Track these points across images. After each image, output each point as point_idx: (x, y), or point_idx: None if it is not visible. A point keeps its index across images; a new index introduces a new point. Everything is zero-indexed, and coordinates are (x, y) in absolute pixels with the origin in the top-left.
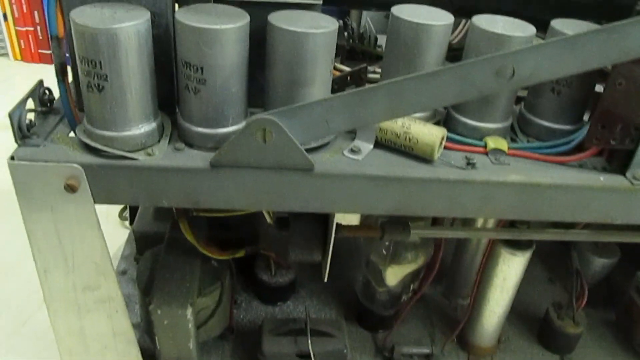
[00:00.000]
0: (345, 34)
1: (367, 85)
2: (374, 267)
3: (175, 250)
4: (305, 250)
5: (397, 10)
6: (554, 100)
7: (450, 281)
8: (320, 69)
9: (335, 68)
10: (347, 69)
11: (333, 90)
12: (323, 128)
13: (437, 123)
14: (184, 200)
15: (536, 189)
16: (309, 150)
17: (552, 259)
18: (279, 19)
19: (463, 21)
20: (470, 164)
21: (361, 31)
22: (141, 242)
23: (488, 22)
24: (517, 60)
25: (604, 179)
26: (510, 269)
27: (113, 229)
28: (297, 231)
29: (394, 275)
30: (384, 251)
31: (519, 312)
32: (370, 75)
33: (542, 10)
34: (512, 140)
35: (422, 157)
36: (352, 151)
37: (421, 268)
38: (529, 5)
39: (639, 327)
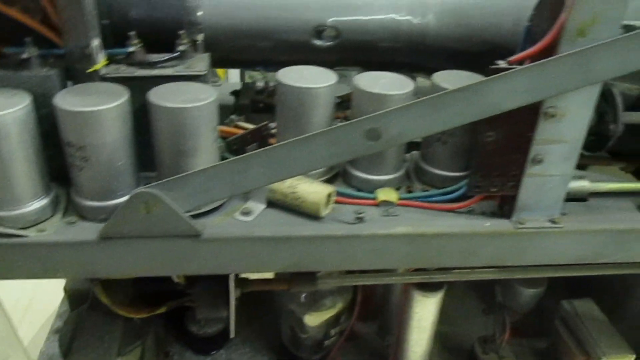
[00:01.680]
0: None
1: (245, 153)
2: (294, 315)
3: (97, 310)
4: (211, 308)
5: (282, 74)
6: (442, 149)
7: (382, 320)
8: (203, 139)
9: (238, 126)
10: (250, 126)
11: (233, 151)
12: (205, 197)
13: (336, 176)
14: (80, 271)
15: (423, 239)
16: (201, 215)
17: (488, 290)
18: (157, 95)
19: None
20: (358, 219)
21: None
22: (74, 300)
23: (369, 81)
24: (385, 122)
25: (489, 224)
26: (424, 311)
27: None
28: (203, 289)
29: (313, 322)
30: (302, 299)
31: (451, 346)
32: (274, 131)
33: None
34: (409, 189)
35: (311, 214)
36: (244, 213)
37: (341, 313)
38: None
39: (566, 356)
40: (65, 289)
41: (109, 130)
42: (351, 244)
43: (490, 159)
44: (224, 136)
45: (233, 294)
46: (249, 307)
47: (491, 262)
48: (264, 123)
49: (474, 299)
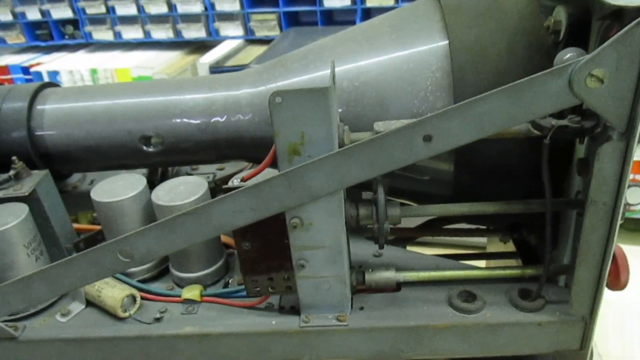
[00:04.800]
0: None
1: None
2: None
3: None
4: None
5: (95, 191)
6: None
7: None
8: (14, 255)
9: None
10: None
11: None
12: (12, 306)
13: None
14: None
15: (210, 338)
16: (24, 317)
17: None
18: None
19: None
20: (157, 319)
21: None
22: None
23: (165, 191)
24: (132, 243)
25: (275, 322)
26: None
27: None
28: None
29: None
30: None
31: None
32: None
33: None
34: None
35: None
36: (62, 314)
37: None
38: None
39: None
40: None
41: None
42: (146, 344)
43: (254, 265)
44: (84, 233)
45: None
46: None
47: (282, 358)
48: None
49: None
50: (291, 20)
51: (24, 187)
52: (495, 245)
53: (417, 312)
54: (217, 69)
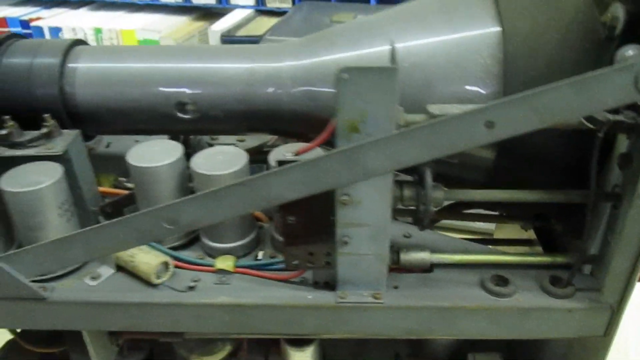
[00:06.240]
0: None
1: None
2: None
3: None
4: (81, 355)
5: (131, 153)
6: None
7: None
8: (46, 215)
9: (125, 187)
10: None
11: (107, 214)
12: (46, 267)
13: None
14: None
15: (242, 309)
16: (53, 278)
17: None
18: (7, 178)
19: None
20: (190, 287)
21: None
22: None
23: (204, 160)
24: (179, 211)
25: (311, 297)
26: None
27: None
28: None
29: None
30: (192, 344)
31: None
32: None
33: None
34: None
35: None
36: (92, 277)
37: (231, 354)
38: None
39: None
40: None
41: None
42: (177, 311)
43: (297, 240)
44: (108, 196)
45: (91, 346)
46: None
47: (315, 332)
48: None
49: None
50: None
51: (57, 147)
52: (502, 232)
53: (450, 293)
54: (228, 37)
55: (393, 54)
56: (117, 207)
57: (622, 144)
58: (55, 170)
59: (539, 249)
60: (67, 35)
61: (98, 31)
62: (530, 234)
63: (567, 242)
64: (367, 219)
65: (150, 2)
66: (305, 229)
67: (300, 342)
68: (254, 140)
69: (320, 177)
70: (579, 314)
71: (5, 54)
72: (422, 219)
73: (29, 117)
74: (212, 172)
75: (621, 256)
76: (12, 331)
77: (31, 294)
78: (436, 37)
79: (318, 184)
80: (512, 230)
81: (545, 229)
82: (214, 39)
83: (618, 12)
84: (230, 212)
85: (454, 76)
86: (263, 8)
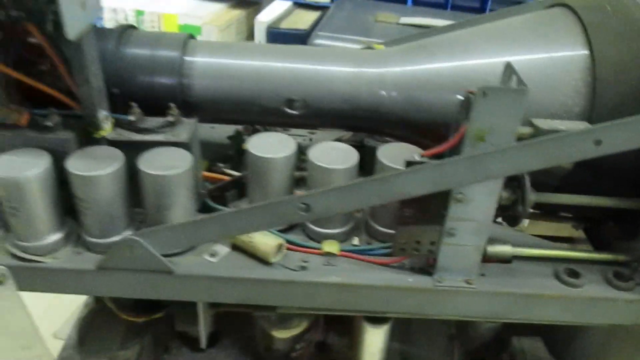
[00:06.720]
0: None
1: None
2: (264, 330)
3: (105, 311)
4: (187, 323)
5: (251, 142)
6: (384, 209)
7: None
8: (178, 197)
9: (224, 173)
10: (236, 174)
11: (214, 197)
12: (176, 245)
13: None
14: (82, 290)
15: (351, 288)
16: (177, 254)
17: None
18: (144, 160)
19: None
20: (302, 267)
21: None
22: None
23: (320, 153)
24: (315, 199)
25: (412, 280)
26: (372, 339)
27: None
28: (182, 306)
29: (280, 337)
30: (272, 318)
31: None
32: None
33: None
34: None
35: (263, 260)
36: (211, 254)
37: (307, 330)
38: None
39: None
40: None
41: (105, 189)
42: (291, 288)
43: (409, 230)
44: (209, 181)
45: (202, 315)
46: (238, 316)
47: (412, 311)
48: (242, 174)
49: (442, 323)
50: None
51: (182, 134)
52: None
53: (529, 282)
54: (274, 29)
55: (516, 74)
56: (222, 191)
57: None
58: (186, 157)
59: (580, 246)
60: (107, 15)
61: (140, 13)
62: (571, 232)
63: (615, 242)
64: (475, 215)
65: None
66: (418, 221)
67: (377, 320)
68: (326, 134)
69: (447, 177)
70: (637, 305)
71: (127, 45)
72: (518, 218)
73: (148, 104)
74: (331, 166)
75: None
76: (100, 300)
77: (162, 267)
78: (531, 55)
79: (442, 183)
80: (545, 228)
81: (594, 230)
82: (260, 30)
83: None
84: (361, 204)
85: (545, 93)
86: (301, 1)
